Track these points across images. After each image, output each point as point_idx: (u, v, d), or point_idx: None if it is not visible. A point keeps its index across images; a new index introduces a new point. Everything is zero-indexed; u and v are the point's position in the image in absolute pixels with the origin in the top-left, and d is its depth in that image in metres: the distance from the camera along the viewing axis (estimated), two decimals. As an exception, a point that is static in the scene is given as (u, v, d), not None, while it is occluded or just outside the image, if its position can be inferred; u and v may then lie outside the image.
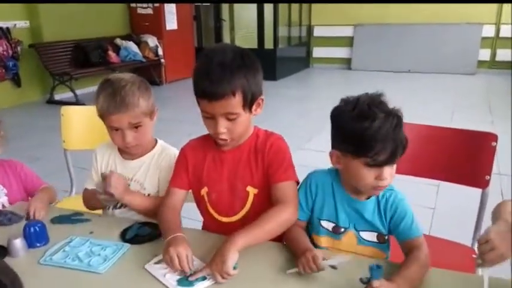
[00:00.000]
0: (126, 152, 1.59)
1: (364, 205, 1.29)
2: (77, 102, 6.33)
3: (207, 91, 1.21)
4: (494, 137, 1.63)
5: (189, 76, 6.74)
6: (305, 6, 9.39)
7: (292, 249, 1.25)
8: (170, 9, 8.06)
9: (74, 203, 1.74)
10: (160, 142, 1.65)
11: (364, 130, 1.15)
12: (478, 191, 1.69)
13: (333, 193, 1.33)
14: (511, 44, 7.81)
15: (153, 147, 1.62)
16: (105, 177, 1.45)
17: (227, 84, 1.20)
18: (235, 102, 1.23)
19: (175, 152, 1.57)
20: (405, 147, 1.19)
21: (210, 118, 1.27)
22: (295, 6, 9.06)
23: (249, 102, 1.27)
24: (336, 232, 1.32)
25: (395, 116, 1.17)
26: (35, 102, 6.77)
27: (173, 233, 1.22)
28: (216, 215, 1.42)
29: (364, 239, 1.31)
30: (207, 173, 1.41)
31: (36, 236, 1.32)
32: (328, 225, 1.33)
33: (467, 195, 1.83)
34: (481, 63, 8.35)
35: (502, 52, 8.26)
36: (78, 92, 6.71)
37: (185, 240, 1.20)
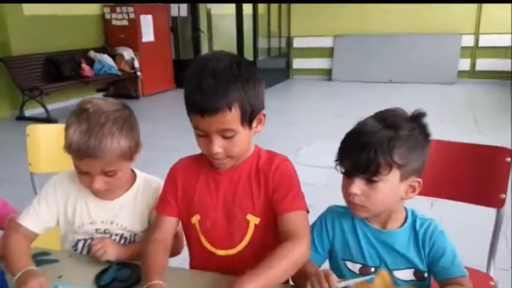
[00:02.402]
0: (99, 196, 1.34)
1: (395, 235, 1.13)
2: (49, 118, 6.06)
3: (199, 105, 1.05)
4: (508, 152, 1.49)
5: (167, 89, 6.55)
6: (284, 17, 9.30)
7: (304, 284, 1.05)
8: (146, 21, 7.86)
9: (40, 238, 1.50)
10: (140, 175, 1.40)
11: (349, 131, 1.11)
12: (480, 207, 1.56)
13: (353, 227, 1.16)
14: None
15: (133, 181, 1.38)
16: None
17: (222, 96, 1.04)
18: (232, 118, 1.07)
19: (161, 184, 1.33)
20: (380, 165, 1.02)
21: (203, 136, 1.11)
22: (274, 17, 8.98)
23: (248, 117, 1.10)
24: (364, 274, 1.14)
25: (388, 128, 1.04)
26: (3, 119, 6.43)
27: (150, 278, 1.05)
28: (210, 247, 1.24)
29: (399, 279, 1.13)
30: (199, 198, 1.23)
31: (-8, 286, 1.08)
32: (354, 266, 1.16)
33: (472, 212, 1.69)
34: (461, 72, 8.36)
35: (482, 62, 8.30)
36: (50, 107, 6.40)
37: None
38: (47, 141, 1.93)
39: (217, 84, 1.04)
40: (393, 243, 1.12)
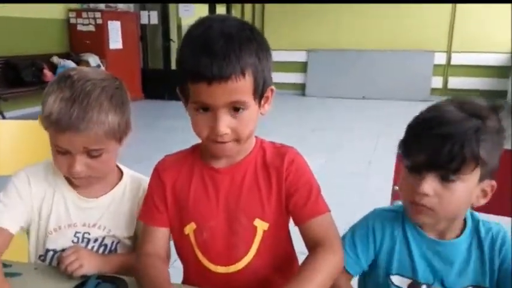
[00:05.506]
0: (80, 185, 1.12)
1: (454, 246, 0.96)
2: (5, 125, 5.63)
3: (206, 70, 0.87)
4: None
5: (135, 99, 6.16)
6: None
7: None
8: (114, 27, 7.55)
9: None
10: (127, 171, 1.21)
11: (418, 118, 0.95)
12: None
13: (404, 236, 1.00)
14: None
15: (120, 178, 1.19)
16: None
17: (235, 60, 0.87)
18: (245, 86, 0.90)
19: None
20: (464, 161, 0.86)
21: (206, 113, 0.93)
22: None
23: (260, 91, 0.95)
24: None
25: (475, 117, 0.88)
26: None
27: None
28: (207, 264, 1.04)
29: None
30: (194, 202, 1.03)
31: None
32: (401, 281, 1.00)
33: None
34: (434, 90, 8.37)
35: (453, 80, 8.34)
36: (9, 114, 6.02)
37: None
38: (4, 139, 1.65)
39: (230, 46, 0.88)
40: (452, 256, 0.96)
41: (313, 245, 0.96)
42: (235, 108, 0.92)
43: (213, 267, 1.04)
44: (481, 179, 0.91)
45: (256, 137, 1.07)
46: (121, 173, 1.20)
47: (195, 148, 1.08)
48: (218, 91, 0.88)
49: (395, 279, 1.00)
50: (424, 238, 0.98)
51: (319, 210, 1.00)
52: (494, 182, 0.94)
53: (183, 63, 0.92)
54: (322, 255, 0.93)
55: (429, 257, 0.98)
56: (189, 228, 1.04)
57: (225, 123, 0.91)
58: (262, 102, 0.99)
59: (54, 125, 1.00)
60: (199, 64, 0.87)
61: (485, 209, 1.34)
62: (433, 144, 0.87)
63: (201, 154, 1.06)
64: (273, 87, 1.00)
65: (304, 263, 0.93)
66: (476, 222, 0.99)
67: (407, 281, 0.99)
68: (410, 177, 0.93)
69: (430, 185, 0.89)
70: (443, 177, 0.89)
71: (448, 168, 0.87)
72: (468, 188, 0.90)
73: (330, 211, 1.02)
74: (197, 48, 0.89)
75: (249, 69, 0.90)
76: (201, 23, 0.93)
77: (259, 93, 0.95)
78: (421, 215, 0.94)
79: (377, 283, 1.04)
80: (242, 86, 0.89)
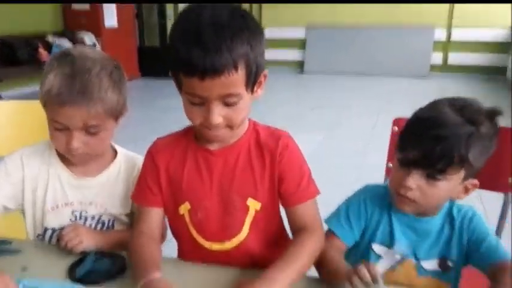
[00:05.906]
0: (74, 163, 1.15)
1: (429, 223, 1.07)
2: (1, 105, 5.59)
3: (199, 65, 0.86)
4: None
5: (132, 77, 6.09)
6: (255, 6, 9.03)
7: (333, 272, 0.98)
8: (109, 5, 7.46)
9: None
10: (121, 151, 1.25)
11: (417, 117, 1.02)
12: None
13: (388, 209, 1.09)
14: None
15: (114, 157, 1.22)
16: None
17: (227, 53, 0.87)
18: (237, 79, 0.91)
19: None
20: (451, 163, 0.94)
21: (199, 104, 0.94)
22: (245, 7, 8.67)
23: (253, 78, 0.95)
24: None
25: (470, 123, 0.94)
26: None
27: (148, 273, 0.91)
28: (202, 241, 1.08)
29: (425, 269, 1.09)
30: (188, 183, 1.06)
31: None
32: (381, 249, 1.10)
33: (476, 197, 1.50)
34: (433, 66, 8.28)
35: (454, 56, 8.23)
36: (4, 94, 5.96)
37: (166, 286, 0.88)
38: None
39: (221, 38, 0.87)
40: (427, 231, 1.07)
41: (298, 229, 1.04)
42: (228, 99, 0.92)
43: (208, 244, 1.07)
44: (465, 178, 1.00)
45: (249, 119, 1.08)
46: (115, 152, 1.23)
47: (187, 130, 1.10)
48: (211, 85, 0.88)
49: (376, 247, 1.11)
50: (405, 215, 1.08)
51: (308, 195, 1.05)
52: (476, 181, 1.02)
53: (175, 53, 0.91)
54: (308, 237, 1.01)
55: (407, 232, 1.08)
56: (184, 208, 1.07)
57: (217, 113, 0.93)
58: (255, 88, 0.99)
59: (54, 99, 1.01)
60: (192, 58, 0.86)
61: (482, 185, 1.39)
62: (426, 143, 0.94)
63: (195, 136, 1.07)
64: (266, 72, 1.00)
65: (290, 244, 1.00)
66: (451, 204, 1.08)
67: (385, 249, 1.10)
68: (400, 170, 1.01)
69: (414, 180, 0.98)
70: (428, 175, 0.97)
71: (434, 168, 0.95)
72: (451, 186, 0.99)
73: (319, 193, 1.07)
74: (188, 39, 0.88)
75: (242, 61, 0.89)
76: (191, 9, 0.92)
77: (252, 81, 0.95)
78: (403, 204, 1.03)
79: (360, 250, 1.13)
80: (235, 80, 0.90)
